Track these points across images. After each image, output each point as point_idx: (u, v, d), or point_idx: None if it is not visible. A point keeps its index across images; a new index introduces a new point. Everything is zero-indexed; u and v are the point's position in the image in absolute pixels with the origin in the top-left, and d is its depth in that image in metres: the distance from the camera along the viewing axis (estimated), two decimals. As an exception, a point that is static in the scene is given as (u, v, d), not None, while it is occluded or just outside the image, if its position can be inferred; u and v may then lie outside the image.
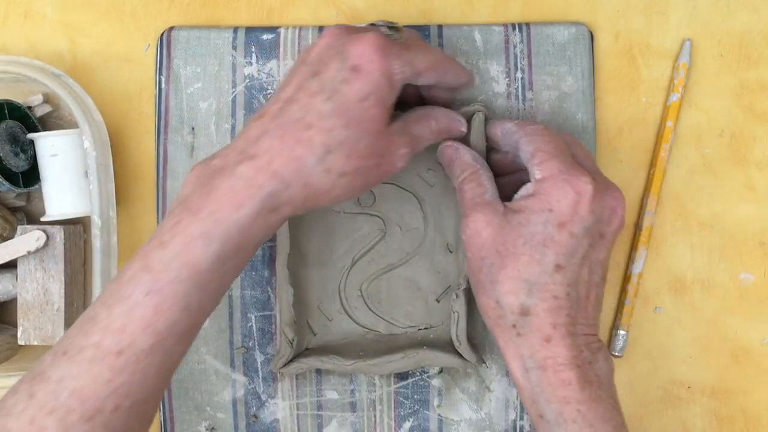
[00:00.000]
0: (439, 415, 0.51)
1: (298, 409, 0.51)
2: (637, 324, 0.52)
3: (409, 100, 0.46)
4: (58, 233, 0.49)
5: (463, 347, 0.48)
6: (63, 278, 0.49)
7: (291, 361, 0.49)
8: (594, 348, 0.42)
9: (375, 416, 0.51)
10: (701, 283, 0.52)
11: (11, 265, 0.50)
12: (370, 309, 0.51)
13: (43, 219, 0.49)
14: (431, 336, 0.51)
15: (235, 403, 0.51)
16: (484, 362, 0.50)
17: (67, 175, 0.49)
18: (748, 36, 0.52)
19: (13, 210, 0.52)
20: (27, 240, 0.49)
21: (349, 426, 0.51)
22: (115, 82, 0.53)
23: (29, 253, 0.49)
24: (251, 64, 0.51)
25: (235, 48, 0.51)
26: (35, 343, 0.50)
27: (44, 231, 0.49)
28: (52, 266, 0.49)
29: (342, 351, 0.49)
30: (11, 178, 0.49)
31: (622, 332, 0.51)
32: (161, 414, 0.51)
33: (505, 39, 0.51)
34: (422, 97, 0.46)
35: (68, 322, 0.49)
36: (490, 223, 0.42)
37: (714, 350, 0.52)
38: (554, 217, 0.40)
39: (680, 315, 0.52)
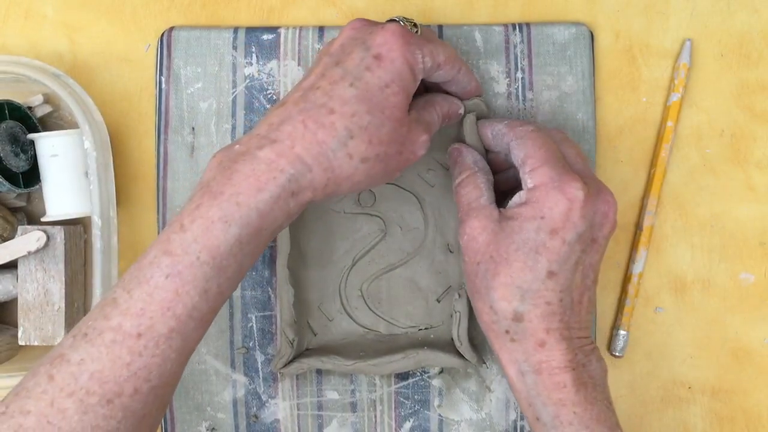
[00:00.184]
0: (440, 415, 0.51)
1: (298, 410, 0.51)
2: (638, 324, 0.52)
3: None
4: (59, 233, 0.49)
5: (464, 347, 0.48)
6: (63, 278, 0.49)
7: (291, 361, 0.49)
8: (587, 350, 0.42)
9: (375, 416, 0.51)
10: (701, 283, 0.52)
11: (12, 266, 0.50)
12: (370, 309, 0.51)
13: (43, 219, 0.49)
14: (432, 336, 0.51)
15: (235, 403, 0.51)
16: (485, 362, 0.50)
17: (67, 175, 0.49)
18: (748, 36, 0.52)
19: (14, 210, 0.52)
20: (27, 240, 0.49)
21: (349, 426, 0.51)
22: (115, 82, 0.53)
23: (30, 253, 0.49)
24: (251, 64, 0.51)
25: (235, 48, 0.51)
26: (36, 344, 0.49)
27: (45, 231, 0.49)
28: (53, 266, 0.49)
29: (342, 351, 0.49)
30: (11, 178, 0.49)
31: (622, 332, 0.51)
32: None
33: (505, 39, 0.51)
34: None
35: (69, 323, 0.49)
36: (485, 229, 0.42)
37: (714, 350, 0.52)
38: (546, 224, 0.40)
39: (680, 315, 0.52)
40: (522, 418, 0.50)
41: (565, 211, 0.40)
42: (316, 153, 0.38)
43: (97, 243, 0.47)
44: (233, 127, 0.51)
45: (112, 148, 0.50)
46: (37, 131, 0.51)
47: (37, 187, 0.50)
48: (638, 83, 0.52)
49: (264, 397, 0.51)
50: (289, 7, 0.53)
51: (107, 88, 0.53)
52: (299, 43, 0.51)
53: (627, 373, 0.52)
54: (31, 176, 0.50)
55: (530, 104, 0.50)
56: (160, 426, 0.51)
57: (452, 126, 0.48)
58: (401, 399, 0.51)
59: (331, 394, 0.51)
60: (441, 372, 0.50)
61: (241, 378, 0.51)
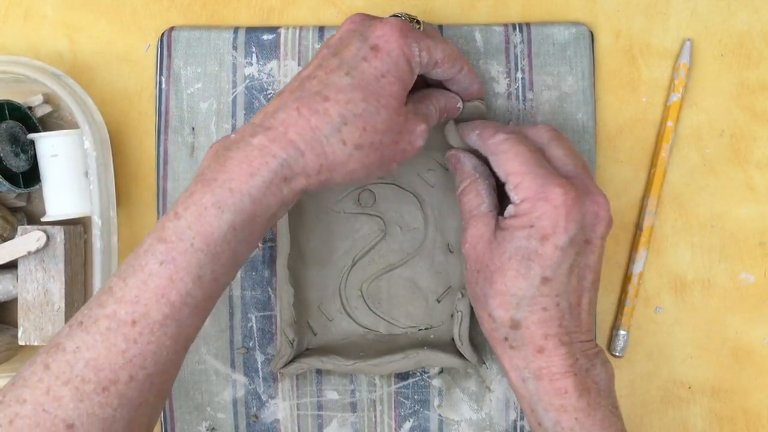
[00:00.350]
0: (440, 415, 0.51)
1: (298, 410, 0.51)
2: (638, 324, 0.52)
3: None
4: (59, 233, 0.49)
5: (465, 347, 0.48)
6: (63, 278, 0.49)
7: (291, 361, 0.49)
8: (591, 354, 0.42)
9: (375, 416, 0.51)
10: (701, 283, 0.52)
11: (12, 266, 0.50)
12: (370, 309, 0.51)
13: (43, 219, 0.49)
14: (432, 336, 0.51)
15: (235, 403, 0.51)
16: (485, 362, 0.50)
17: (67, 175, 0.49)
18: (748, 36, 0.52)
19: (14, 210, 0.52)
20: (27, 240, 0.49)
21: (349, 426, 0.51)
22: (115, 82, 0.53)
23: (30, 253, 0.49)
24: (251, 64, 0.51)
25: (235, 48, 0.51)
26: (36, 344, 0.49)
27: (45, 231, 0.49)
28: (53, 266, 0.49)
29: (342, 351, 0.49)
30: (11, 178, 0.49)
31: (622, 332, 0.51)
32: (161, 414, 0.51)
33: (505, 39, 0.51)
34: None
35: (68, 323, 0.49)
36: (482, 237, 0.42)
37: (714, 350, 0.52)
38: (536, 232, 0.40)
39: (680, 315, 0.52)
40: (522, 418, 0.50)
41: (553, 218, 0.40)
42: (309, 138, 0.38)
43: (97, 243, 0.47)
44: (233, 127, 0.51)
45: (112, 148, 0.50)
46: (37, 131, 0.51)
47: (37, 187, 0.50)
48: (638, 83, 0.52)
49: (264, 397, 0.51)
50: (289, 7, 0.53)
51: (107, 88, 0.53)
52: (299, 43, 0.51)
53: (627, 373, 0.52)
54: (31, 176, 0.50)
55: (530, 104, 0.50)
56: (160, 426, 0.51)
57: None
58: (401, 399, 0.51)
59: (331, 394, 0.51)
60: (441, 372, 0.50)
61: (241, 378, 0.51)
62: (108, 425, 0.35)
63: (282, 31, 0.51)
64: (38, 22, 0.53)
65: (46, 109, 0.52)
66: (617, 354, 0.51)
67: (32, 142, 0.50)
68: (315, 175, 0.39)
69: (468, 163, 0.45)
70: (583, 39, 0.51)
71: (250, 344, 0.51)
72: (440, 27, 0.51)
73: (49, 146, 0.49)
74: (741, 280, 0.52)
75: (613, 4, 0.52)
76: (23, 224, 0.51)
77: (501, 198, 0.44)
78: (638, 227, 0.52)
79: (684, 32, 0.52)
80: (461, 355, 0.48)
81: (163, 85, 0.51)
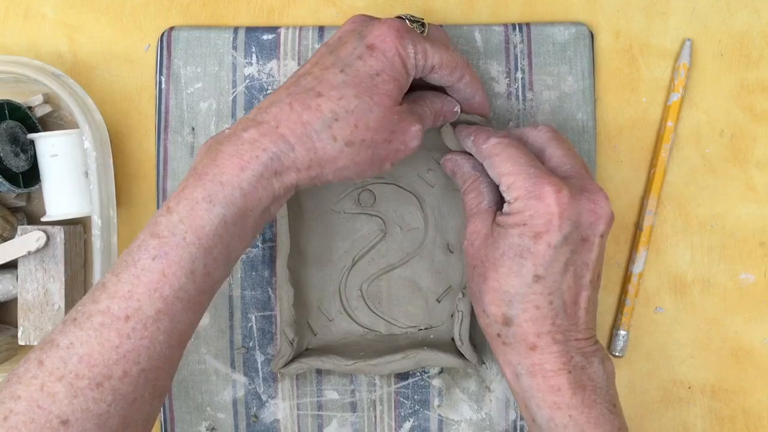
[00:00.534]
0: (440, 415, 0.51)
1: (298, 410, 0.51)
2: (638, 324, 0.52)
3: None
4: (59, 233, 0.49)
5: (465, 347, 0.48)
6: (63, 278, 0.49)
7: (291, 361, 0.49)
8: (587, 352, 0.41)
9: (375, 416, 0.51)
10: (701, 283, 0.52)
11: (11, 266, 0.50)
12: (370, 309, 0.51)
13: (43, 219, 0.49)
14: (432, 336, 0.51)
15: (235, 403, 0.51)
16: (485, 362, 0.50)
17: (67, 175, 0.49)
18: (748, 36, 0.52)
19: (14, 210, 0.52)
20: (27, 240, 0.49)
21: (349, 426, 0.51)
22: (115, 82, 0.53)
23: (29, 253, 0.49)
24: (251, 64, 0.51)
25: (235, 48, 0.51)
26: (35, 344, 0.49)
27: (44, 231, 0.49)
28: (53, 266, 0.49)
29: (342, 351, 0.49)
30: (11, 178, 0.49)
31: (622, 332, 0.51)
32: (161, 414, 0.51)
33: (505, 39, 0.51)
34: None
35: (68, 323, 0.49)
36: (480, 233, 0.43)
37: (714, 350, 0.52)
38: (529, 230, 0.40)
39: (680, 315, 0.52)
40: (522, 418, 0.50)
41: (546, 216, 0.40)
42: (300, 133, 0.39)
43: (97, 243, 0.47)
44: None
45: (112, 148, 0.50)
46: (37, 131, 0.50)
47: (37, 187, 0.50)
48: (638, 83, 0.52)
49: (264, 397, 0.51)
50: (289, 7, 0.53)
51: (107, 88, 0.53)
52: (299, 43, 0.51)
53: (627, 373, 0.52)
54: (31, 176, 0.50)
55: (530, 104, 0.50)
56: (160, 426, 0.51)
57: None
58: (401, 399, 0.51)
59: (331, 394, 0.51)
60: (441, 372, 0.50)
61: (241, 378, 0.51)
62: (102, 421, 0.35)
63: (282, 31, 0.51)
64: (38, 22, 0.53)
65: (46, 109, 0.52)
66: (617, 354, 0.51)
67: (32, 142, 0.50)
68: (305, 170, 0.39)
69: (466, 164, 0.45)
70: (583, 39, 0.51)
71: (250, 344, 0.51)
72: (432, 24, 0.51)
73: (49, 146, 0.49)
74: (741, 280, 0.52)
75: (613, 4, 0.52)
76: (23, 224, 0.51)
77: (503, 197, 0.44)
78: (638, 227, 0.52)
79: (684, 32, 0.52)
80: (461, 355, 0.48)
81: (163, 85, 0.51)
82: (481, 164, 0.45)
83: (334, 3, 0.53)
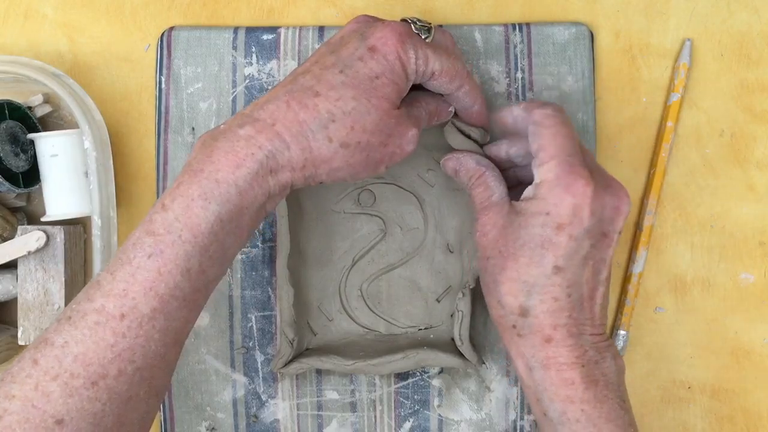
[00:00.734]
0: (440, 415, 0.51)
1: (298, 409, 0.51)
2: (638, 324, 0.52)
3: None
4: (59, 233, 0.49)
5: (465, 347, 0.48)
6: (63, 278, 0.49)
7: (291, 361, 0.49)
8: (601, 347, 0.41)
9: (375, 416, 0.51)
10: (701, 283, 0.52)
11: (11, 266, 0.50)
12: (370, 309, 0.51)
13: (43, 219, 0.49)
14: (431, 336, 0.51)
15: (235, 403, 0.51)
16: (484, 362, 0.50)
17: (67, 175, 0.49)
18: (748, 36, 0.52)
19: (14, 210, 0.52)
20: (27, 240, 0.49)
21: (349, 426, 0.51)
22: (115, 82, 0.53)
23: (29, 253, 0.49)
24: (251, 64, 0.51)
25: (235, 48, 0.51)
26: (35, 344, 0.49)
27: (44, 231, 0.49)
28: (53, 266, 0.49)
29: (342, 351, 0.49)
30: (11, 178, 0.49)
31: (622, 332, 0.51)
32: (161, 414, 0.51)
33: (505, 39, 0.51)
34: None
35: (68, 323, 0.49)
36: (495, 224, 0.42)
37: (714, 350, 0.52)
38: (552, 220, 0.40)
39: (680, 315, 0.52)
40: (522, 418, 0.50)
41: (572, 208, 0.40)
42: (296, 132, 0.38)
43: (97, 243, 0.47)
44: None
45: (112, 148, 0.50)
46: (37, 131, 0.51)
47: (37, 187, 0.50)
48: (638, 83, 0.52)
49: (264, 397, 0.51)
50: (289, 7, 0.53)
51: (107, 88, 0.53)
52: (299, 43, 0.51)
53: (627, 373, 0.51)
54: (31, 176, 0.50)
55: (530, 104, 0.50)
56: (160, 426, 0.51)
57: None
58: (401, 399, 0.51)
59: (331, 394, 0.51)
60: (441, 372, 0.50)
61: (240, 378, 0.51)
62: (98, 420, 0.35)
63: (282, 31, 0.51)
64: (38, 22, 0.53)
65: (46, 109, 0.52)
66: (617, 354, 0.51)
67: (32, 142, 0.50)
68: (299, 169, 0.39)
69: (470, 160, 0.45)
70: (583, 39, 0.51)
71: (250, 344, 0.51)
72: (440, 27, 0.51)
73: (49, 146, 0.49)
74: (741, 280, 0.52)
75: (613, 4, 0.52)
76: (23, 224, 0.51)
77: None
78: (638, 227, 0.52)
79: (684, 32, 0.52)
80: (461, 355, 0.48)
81: (163, 85, 0.51)
82: (485, 159, 0.45)
83: (334, 3, 0.53)
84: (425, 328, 0.51)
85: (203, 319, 0.50)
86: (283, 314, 0.48)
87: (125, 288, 0.36)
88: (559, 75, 0.50)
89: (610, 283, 0.43)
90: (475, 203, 0.44)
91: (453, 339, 0.49)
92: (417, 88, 0.44)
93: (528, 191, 0.42)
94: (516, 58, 0.51)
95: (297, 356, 0.49)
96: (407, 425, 0.51)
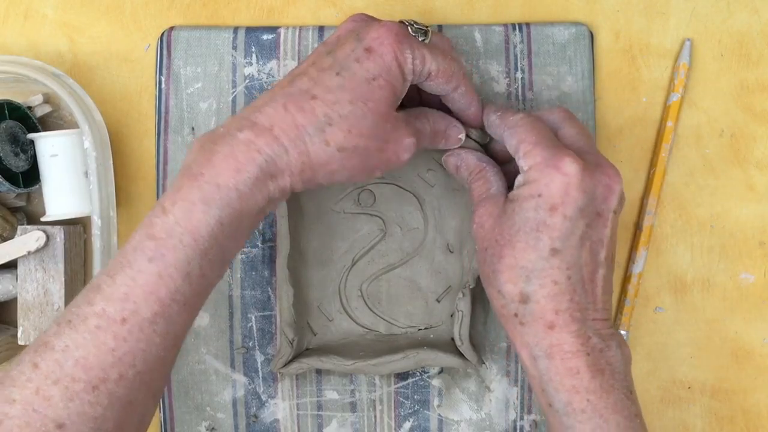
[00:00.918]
0: (439, 415, 0.51)
1: (298, 409, 0.51)
2: (638, 324, 0.52)
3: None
4: (59, 233, 0.49)
5: (465, 347, 0.48)
6: (63, 278, 0.49)
7: (291, 361, 0.49)
8: (605, 335, 0.41)
9: (375, 416, 0.51)
10: (701, 283, 0.52)
11: (11, 266, 0.50)
12: (370, 309, 0.51)
13: (43, 219, 0.49)
14: (431, 336, 0.51)
15: (235, 403, 0.51)
16: (484, 362, 0.50)
17: (67, 175, 0.49)
18: (748, 36, 0.52)
19: (13, 210, 0.52)
20: (27, 240, 0.49)
21: (349, 426, 0.51)
22: (115, 82, 0.53)
23: (29, 253, 0.49)
24: (251, 64, 0.51)
25: (235, 48, 0.51)
26: (35, 344, 0.49)
27: (44, 231, 0.49)
28: (53, 266, 0.49)
29: (342, 351, 0.49)
30: (11, 178, 0.49)
31: (622, 332, 0.51)
32: (161, 414, 0.51)
33: (505, 39, 0.51)
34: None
35: (68, 323, 0.49)
36: (491, 215, 0.42)
37: (714, 350, 0.52)
38: (544, 201, 0.40)
39: (680, 315, 0.52)
40: (522, 418, 0.50)
41: (563, 187, 0.40)
42: (294, 136, 0.38)
43: (97, 243, 0.47)
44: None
45: (112, 148, 0.50)
46: (37, 131, 0.51)
47: (37, 186, 0.50)
48: (638, 83, 0.52)
49: (264, 397, 0.51)
50: (289, 7, 0.53)
51: (107, 88, 0.53)
52: (299, 43, 0.51)
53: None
54: (30, 176, 0.50)
55: (530, 104, 0.50)
56: (160, 426, 0.51)
57: None
58: (401, 399, 0.51)
59: (331, 394, 0.51)
60: (441, 372, 0.50)
61: (240, 378, 0.51)
62: (98, 424, 0.35)
63: (282, 31, 0.51)
64: (38, 22, 0.53)
65: (46, 109, 0.52)
66: (617, 354, 0.51)
67: (32, 142, 0.50)
68: (298, 173, 0.39)
69: (472, 156, 0.45)
70: (582, 39, 0.51)
71: (250, 344, 0.51)
72: (440, 27, 0.51)
73: (49, 146, 0.49)
74: (741, 280, 0.52)
75: (613, 4, 0.52)
76: (23, 224, 0.51)
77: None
78: (638, 227, 0.52)
79: (684, 32, 0.52)
80: (461, 355, 0.48)
81: (163, 85, 0.51)
82: (487, 157, 0.45)
83: (334, 3, 0.53)
84: (425, 328, 0.51)
85: (203, 319, 0.50)
86: (283, 314, 0.48)
87: (126, 292, 0.36)
88: (559, 75, 0.50)
89: (613, 269, 0.42)
90: (473, 197, 0.45)
91: (453, 339, 0.49)
92: (431, 105, 0.45)
93: (518, 180, 0.42)
94: (516, 58, 0.51)
95: (297, 356, 0.49)
96: (407, 425, 0.51)
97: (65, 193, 0.49)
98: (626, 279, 0.52)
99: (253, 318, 0.51)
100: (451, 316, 0.50)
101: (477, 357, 0.48)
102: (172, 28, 0.51)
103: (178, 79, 0.51)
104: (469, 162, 0.45)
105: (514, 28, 0.51)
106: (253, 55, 0.51)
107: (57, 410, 0.35)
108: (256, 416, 0.51)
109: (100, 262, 0.47)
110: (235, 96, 0.51)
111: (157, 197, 0.51)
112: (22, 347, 0.51)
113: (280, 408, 0.51)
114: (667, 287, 0.52)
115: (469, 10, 0.52)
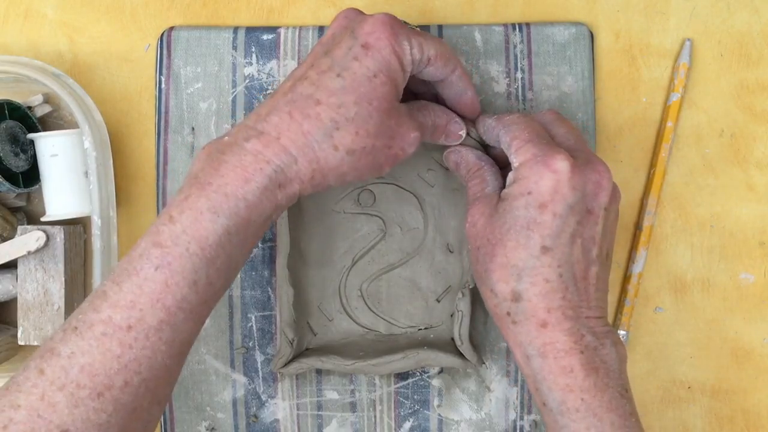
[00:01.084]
0: (439, 415, 0.51)
1: (298, 409, 0.51)
2: (638, 324, 0.52)
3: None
4: (59, 233, 0.49)
5: (465, 347, 0.48)
6: (63, 278, 0.49)
7: (291, 361, 0.49)
8: (599, 333, 0.41)
9: (375, 416, 0.51)
10: (701, 283, 0.52)
11: (11, 265, 0.50)
12: (370, 309, 0.51)
13: (43, 219, 0.49)
14: (431, 336, 0.51)
15: (235, 403, 0.51)
16: (484, 362, 0.50)
17: (67, 175, 0.49)
18: (748, 36, 0.52)
19: (13, 210, 0.52)
20: (27, 240, 0.49)
21: (349, 426, 0.51)
22: (115, 82, 0.53)
23: (29, 253, 0.49)
24: (251, 64, 0.51)
25: (235, 48, 0.51)
26: (35, 344, 0.49)
27: (44, 231, 0.49)
28: (53, 266, 0.49)
29: (342, 351, 0.49)
30: (11, 178, 0.49)
31: (622, 332, 0.51)
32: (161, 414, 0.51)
33: (505, 39, 0.51)
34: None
35: (68, 322, 0.49)
36: (483, 213, 0.42)
37: (714, 350, 0.52)
38: (534, 199, 0.40)
39: (680, 315, 0.52)
40: (522, 418, 0.50)
41: (552, 184, 0.40)
42: (302, 144, 0.38)
43: (97, 243, 0.47)
44: (233, 127, 0.51)
45: (112, 148, 0.50)
46: (37, 131, 0.51)
47: (37, 186, 0.50)
48: (638, 83, 0.52)
49: (264, 397, 0.51)
50: (289, 7, 0.53)
51: (107, 88, 0.53)
52: (299, 43, 0.51)
53: (627, 373, 0.52)
54: (30, 176, 0.50)
55: (530, 104, 0.50)
56: (160, 426, 0.51)
57: None
58: (401, 399, 0.51)
59: (331, 394, 0.51)
60: (441, 372, 0.50)
61: (240, 378, 0.51)
62: (103, 431, 0.35)
63: (282, 31, 0.51)
64: (38, 22, 0.53)
65: (46, 109, 0.52)
66: (617, 354, 0.51)
67: (32, 142, 0.50)
68: (308, 180, 0.39)
69: (472, 154, 0.46)
70: (582, 39, 0.51)
71: (250, 344, 0.51)
72: (440, 27, 0.51)
73: (49, 146, 0.49)
74: (741, 280, 0.52)
75: (613, 4, 0.52)
76: (23, 224, 0.51)
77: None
78: (638, 227, 0.52)
79: (684, 32, 0.52)
80: (461, 355, 0.48)
81: (163, 85, 0.51)
82: (487, 156, 0.45)
83: (333, 3, 0.53)
84: (425, 328, 0.51)
85: (203, 319, 0.51)
86: (283, 314, 0.48)
87: (132, 299, 0.36)
88: (559, 75, 0.50)
89: (609, 266, 0.42)
90: (468, 195, 0.45)
91: (453, 339, 0.49)
92: (433, 99, 0.45)
93: (509, 177, 0.42)
94: (516, 58, 0.51)
95: (297, 356, 0.49)
96: (407, 425, 0.51)
97: (65, 193, 0.49)
98: (626, 279, 0.52)
99: (253, 318, 0.51)
100: (451, 316, 0.50)
101: (477, 357, 0.48)
102: (172, 28, 0.51)
103: (178, 79, 0.51)
104: (468, 160, 0.46)
105: (514, 28, 0.51)
106: (253, 55, 0.51)
107: (62, 416, 0.35)
108: (256, 416, 0.51)
109: (100, 262, 0.47)
110: (235, 96, 0.51)
111: (157, 197, 0.51)
112: (22, 347, 0.51)
113: (280, 408, 0.51)
114: (667, 287, 0.52)
115: (469, 10, 0.52)
